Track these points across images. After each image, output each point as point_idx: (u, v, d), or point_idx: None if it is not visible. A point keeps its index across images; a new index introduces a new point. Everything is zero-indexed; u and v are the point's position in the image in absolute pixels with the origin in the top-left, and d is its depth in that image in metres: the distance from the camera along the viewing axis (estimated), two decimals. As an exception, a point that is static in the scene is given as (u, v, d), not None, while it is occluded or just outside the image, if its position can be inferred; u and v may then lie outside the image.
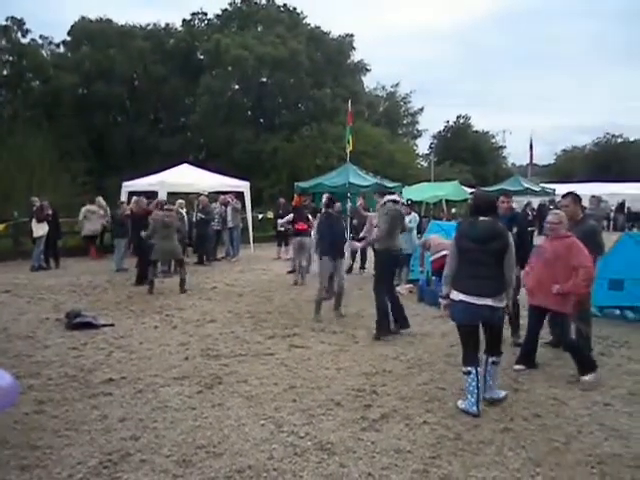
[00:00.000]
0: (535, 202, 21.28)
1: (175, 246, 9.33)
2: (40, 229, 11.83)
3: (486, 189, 19.24)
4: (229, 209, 13.77)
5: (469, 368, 4.14)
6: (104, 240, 14.56)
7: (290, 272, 11.03)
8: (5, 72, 28.73)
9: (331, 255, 7.22)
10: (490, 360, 4.27)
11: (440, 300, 4.52)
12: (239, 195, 14.76)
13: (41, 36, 29.82)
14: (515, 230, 5.58)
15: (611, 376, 5.01)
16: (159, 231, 9.17)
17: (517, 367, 5.15)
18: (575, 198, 5.49)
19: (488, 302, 4.05)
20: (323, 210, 7.69)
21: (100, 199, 14.51)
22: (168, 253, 9.37)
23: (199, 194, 13.73)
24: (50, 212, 12.29)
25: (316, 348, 5.89)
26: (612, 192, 23.89)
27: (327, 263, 7.23)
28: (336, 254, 7.27)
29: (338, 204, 7.47)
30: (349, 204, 13.81)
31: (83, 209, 13.75)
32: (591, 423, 4.00)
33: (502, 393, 4.38)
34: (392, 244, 6.41)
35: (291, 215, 10.77)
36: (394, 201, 6.56)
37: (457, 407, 4.22)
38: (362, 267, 11.58)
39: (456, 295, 4.17)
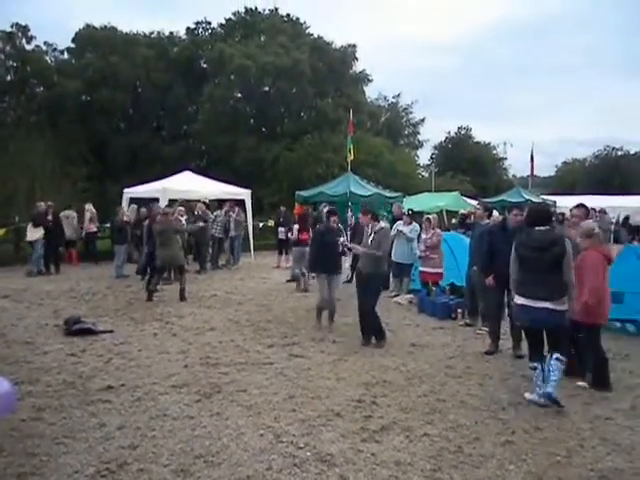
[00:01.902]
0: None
1: (175, 253, 9.24)
2: (35, 233, 11.77)
3: (487, 200, 19.32)
4: (232, 218, 13.74)
5: (535, 364, 4.59)
6: (92, 246, 14.48)
7: (290, 281, 11.01)
8: (9, 78, 28.86)
9: (325, 272, 7.24)
10: (554, 356, 4.47)
11: (512, 304, 4.93)
12: (240, 203, 14.77)
13: (45, 42, 29.96)
14: None
15: (612, 390, 4.98)
16: (157, 238, 9.19)
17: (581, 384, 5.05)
18: (585, 210, 5.58)
19: (546, 305, 4.39)
20: (318, 225, 7.85)
21: (90, 206, 14.47)
22: (167, 259, 9.27)
23: (200, 201, 13.73)
24: (51, 217, 12.32)
25: (316, 358, 5.86)
26: (613, 205, 23.88)
27: (323, 280, 7.26)
28: (330, 270, 7.26)
29: (334, 218, 7.49)
30: (349, 214, 13.81)
31: (60, 214, 13.45)
32: (593, 437, 3.97)
33: (554, 393, 4.40)
34: (383, 266, 6.68)
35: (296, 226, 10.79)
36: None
37: (525, 399, 4.56)
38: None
39: (518, 299, 4.60)
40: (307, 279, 10.24)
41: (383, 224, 6.76)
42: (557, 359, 4.46)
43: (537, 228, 4.54)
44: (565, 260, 4.44)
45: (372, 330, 6.50)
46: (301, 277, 10.31)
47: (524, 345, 5.78)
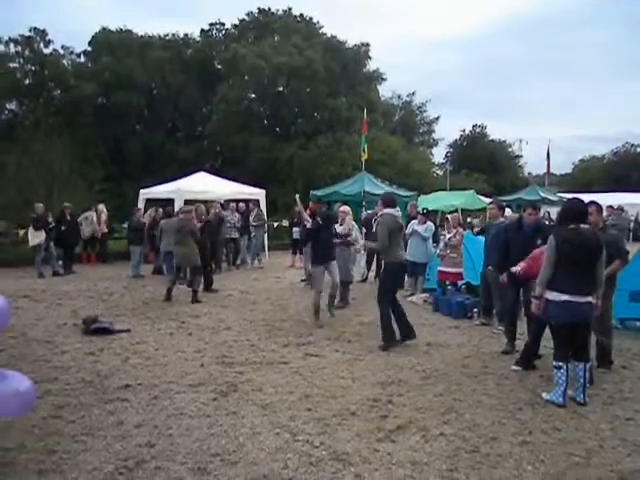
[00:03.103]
0: (553, 212, 21.03)
1: (190, 252, 9.12)
2: (36, 238, 11.81)
3: (503, 198, 19.12)
4: (252, 218, 13.74)
5: (560, 363, 4.52)
6: (103, 246, 14.60)
7: (304, 280, 11.03)
8: (27, 81, 29.37)
9: (321, 263, 7.58)
10: (587, 366, 4.57)
11: (533, 300, 4.79)
12: (255, 203, 14.81)
13: (63, 46, 30.42)
14: (540, 241, 5.53)
15: (632, 389, 4.90)
16: (174, 236, 9.28)
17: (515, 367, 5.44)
18: (598, 207, 5.49)
19: (589, 299, 4.49)
20: (312, 221, 8.04)
21: (102, 206, 14.62)
22: (181, 258, 9.26)
23: (215, 202, 13.80)
24: (69, 218, 12.51)
25: (331, 357, 5.86)
26: (632, 202, 23.51)
27: (321, 272, 7.56)
28: (327, 260, 7.59)
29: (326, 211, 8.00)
30: (364, 212, 13.80)
31: (80, 217, 13.63)
32: (613, 438, 3.91)
33: (584, 399, 4.52)
34: (396, 254, 6.33)
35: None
36: (391, 214, 6.33)
37: (542, 398, 4.55)
38: (377, 276, 11.53)
39: (558, 296, 4.50)
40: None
41: (384, 211, 6.34)
42: (590, 367, 4.64)
43: (582, 226, 4.54)
44: (602, 258, 4.58)
45: (382, 328, 6.31)
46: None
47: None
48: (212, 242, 12.95)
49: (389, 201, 6.47)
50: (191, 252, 9.16)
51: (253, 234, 13.80)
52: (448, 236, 8.90)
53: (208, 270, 10.18)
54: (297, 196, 9.71)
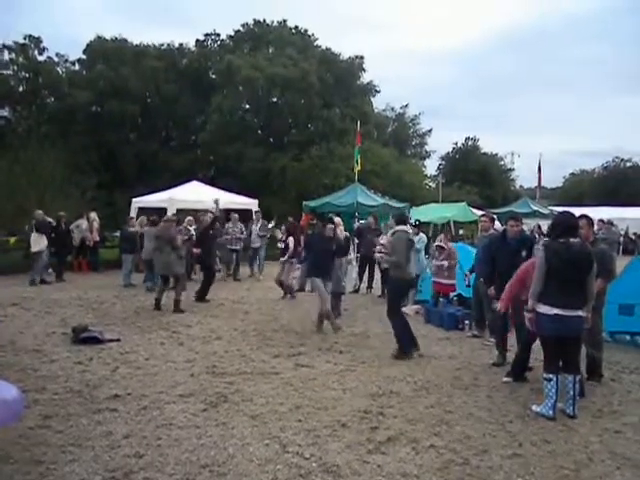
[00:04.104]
0: (544, 225, 21.20)
1: (169, 260, 9.07)
2: (38, 243, 11.76)
3: (495, 211, 19.25)
4: (254, 230, 13.62)
5: (550, 375, 4.54)
6: (94, 255, 14.53)
7: (297, 291, 11.01)
8: (21, 88, 29.32)
9: (319, 276, 7.67)
10: (577, 379, 4.58)
11: (525, 314, 4.79)
12: (247, 212, 14.81)
13: (57, 54, 30.45)
14: (524, 253, 5.57)
15: (621, 402, 4.93)
16: (154, 243, 9.31)
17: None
18: (589, 221, 5.53)
19: (579, 313, 4.51)
20: (310, 232, 8.12)
21: (94, 214, 14.54)
22: (161, 266, 9.24)
23: (207, 211, 13.77)
24: (63, 227, 12.45)
25: (322, 368, 5.84)
26: (621, 216, 23.76)
27: (319, 282, 7.65)
28: (323, 275, 7.68)
29: (330, 225, 7.98)
30: (356, 223, 13.85)
31: (71, 226, 13.55)
32: (602, 451, 3.92)
33: (574, 412, 4.55)
34: (408, 271, 6.59)
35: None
36: (405, 231, 6.66)
37: (532, 411, 4.57)
38: (369, 287, 11.55)
39: (549, 309, 4.52)
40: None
41: (397, 228, 6.64)
42: (580, 381, 4.67)
43: (572, 240, 4.55)
44: (592, 272, 4.57)
45: (398, 338, 6.44)
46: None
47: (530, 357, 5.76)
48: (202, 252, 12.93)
49: (402, 218, 6.93)
50: (170, 261, 9.10)
51: (259, 244, 13.65)
52: (440, 263, 8.83)
53: (208, 279, 10.19)
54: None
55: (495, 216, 8.95)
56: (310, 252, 8.12)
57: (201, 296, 9.92)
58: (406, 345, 6.37)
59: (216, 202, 11.36)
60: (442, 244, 8.79)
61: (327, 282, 7.76)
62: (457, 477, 3.48)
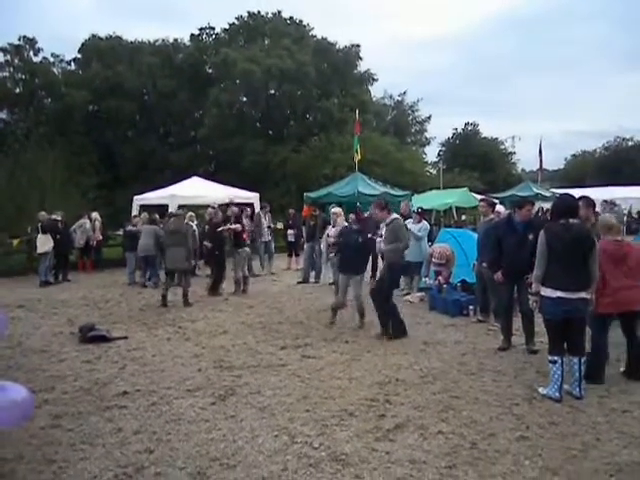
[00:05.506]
0: (547, 207, 21.15)
1: (180, 256, 9.09)
2: (45, 244, 11.78)
3: (496, 195, 19.21)
4: (264, 223, 13.52)
5: (555, 357, 4.54)
6: (98, 254, 14.55)
7: (300, 282, 11.04)
8: (18, 90, 29.30)
9: (342, 272, 7.46)
10: (582, 360, 4.57)
11: (530, 297, 4.92)
12: (249, 206, 14.78)
13: (52, 54, 30.43)
14: (531, 236, 5.53)
15: (628, 382, 4.94)
16: (168, 238, 9.32)
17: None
18: (587, 202, 5.50)
19: (582, 295, 4.51)
20: (346, 225, 8.31)
21: (96, 214, 14.54)
22: (171, 261, 9.23)
23: (209, 206, 13.77)
24: (61, 226, 12.46)
25: (328, 358, 5.87)
26: (624, 196, 23.63)
27: (342, 280, 7.46)
28: (346, 271, 7.36)
29: (352, 216, 8.22)
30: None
31: (74, 226, 13.61)
32: (609, 430, 3.94)
33: (580, 393, 4.57)
34: (402, 255, 6.87)
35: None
36: (399, 217, 6.99)
37: (539, 393, 4.60)
38: (373, 277, 11.52)
39: (552, 292, 4.55)
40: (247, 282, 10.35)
41: (394, 215, 6.94)
42: (585, 362, 4.63)
43: (572, 221, 4.57)
44: (594, 252, 4.57)
45: (387, 322, 6.68)
46: (241, 280, 10.24)
47: (535, 340, 5.78)
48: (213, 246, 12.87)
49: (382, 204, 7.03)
50: (181, 256, 9.13)
51: (270, 238, 13.53)
52: (438, 269, 8.81)
53: (220, 274, 10.29)
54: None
55: (497, 201, 8.93)
56: (339, 246, 7.76)
57: (214, 290, 10.08)
58: (394, 329, 6.63)
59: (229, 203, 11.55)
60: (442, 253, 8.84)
61: (353, 276, 7.29)
62: (465, 461, 3.50)
